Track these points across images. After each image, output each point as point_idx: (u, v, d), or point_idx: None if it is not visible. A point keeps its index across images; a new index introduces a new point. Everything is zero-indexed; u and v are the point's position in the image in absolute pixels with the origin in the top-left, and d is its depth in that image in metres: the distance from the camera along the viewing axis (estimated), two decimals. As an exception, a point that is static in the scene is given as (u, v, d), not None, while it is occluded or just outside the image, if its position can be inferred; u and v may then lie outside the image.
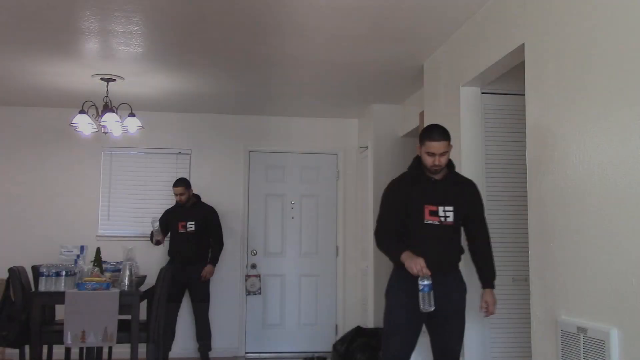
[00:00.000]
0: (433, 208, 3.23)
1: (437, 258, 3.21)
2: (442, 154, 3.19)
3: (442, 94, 4.33)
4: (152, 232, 5.78)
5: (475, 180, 3.88)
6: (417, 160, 3.33)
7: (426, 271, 3.04)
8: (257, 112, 6.66)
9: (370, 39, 4.23)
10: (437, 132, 3.21)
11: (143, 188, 6.55)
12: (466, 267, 3.45)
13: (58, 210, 6.36)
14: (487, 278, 3.34)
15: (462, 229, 3.39)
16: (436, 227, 3.23)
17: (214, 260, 6.01)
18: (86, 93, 5.51)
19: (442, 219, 3.23)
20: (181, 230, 5.88)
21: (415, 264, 3.06)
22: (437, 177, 3.29)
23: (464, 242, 3.44)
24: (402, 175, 3.45)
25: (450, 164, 3.32)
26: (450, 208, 3.24)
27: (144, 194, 6.54)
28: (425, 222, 3.22)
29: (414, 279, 3.11)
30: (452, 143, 3.26)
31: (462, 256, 3.41)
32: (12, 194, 6.34)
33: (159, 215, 5.94)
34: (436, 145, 3.17)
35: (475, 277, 3.41)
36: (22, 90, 5.75)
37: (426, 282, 3.04)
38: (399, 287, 3.31)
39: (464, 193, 3.33)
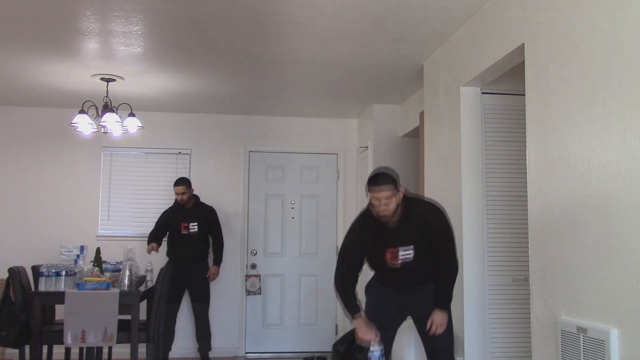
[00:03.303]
0: (393, 250, 3.27)
1: (407, 282, 3.37)
2: (386, 201, 3.11)
3: (442, 94, 4.32)
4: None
5: (474, 180, 3.89)
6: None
7: (376, 342, 3.06)
8: (257, 112, 6.66)
9: (370, 39, 4.23)
10: (379, 178, 3.13)
11: (143, 188, 6.55)
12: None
13: (58, 210, 6.35)
14: (439, 300, 3.36)
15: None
16: (400, 264, 3.30)
17: (218, 261, 6.02)
18: (86, 93, 5.51)
19: (404, 258, 3.27)
20: (184, 232, 5.87)
21: (366, 336, 3.14)
22: (393, 222, 3.22)
23: None
24: (362, 219, 3.36)
25: (405, 200, 3.22)
26: (410, 247, 3.26)
27: (144, 194, 6.53)
28: (389, 265, 3.30)
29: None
30: (399, 187, 3.16)
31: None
32: (12, 194, 6.34)
33: (157, 216, 5.97)
34: (377, 191, 3.09)
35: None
36: (22, 90, 5.75)
37: (377, 349, 3.04)
38: (377, 286, 3.51)
39: (423, 229, 3.27)
